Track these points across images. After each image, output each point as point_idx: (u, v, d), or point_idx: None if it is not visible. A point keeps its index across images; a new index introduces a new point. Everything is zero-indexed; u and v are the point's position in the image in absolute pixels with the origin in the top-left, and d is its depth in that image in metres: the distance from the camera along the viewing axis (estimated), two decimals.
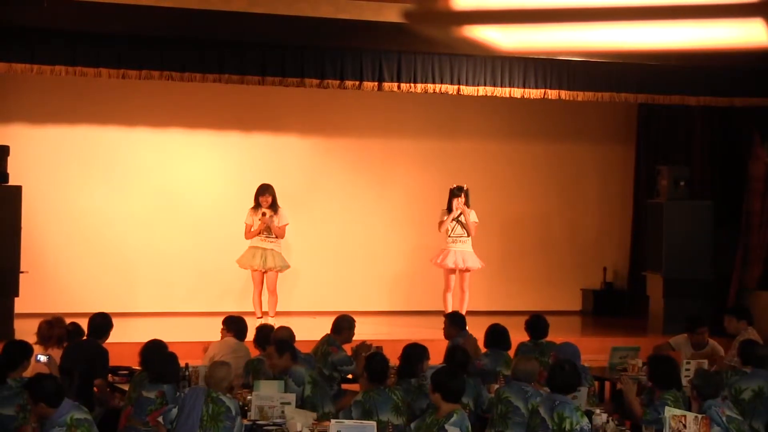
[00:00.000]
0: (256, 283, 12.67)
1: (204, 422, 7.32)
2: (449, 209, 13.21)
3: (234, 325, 9.72)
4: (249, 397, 8.15)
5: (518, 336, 10.37)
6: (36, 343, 9.16)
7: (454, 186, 13.25)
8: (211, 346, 9.61)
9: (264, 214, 12.57)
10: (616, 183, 15.94)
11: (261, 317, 12.53)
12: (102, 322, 9.25)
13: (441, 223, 13.25)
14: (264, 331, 9.68)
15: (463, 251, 13.24)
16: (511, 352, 9.77)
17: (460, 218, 13.19)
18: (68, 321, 9.40)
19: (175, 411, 7.49)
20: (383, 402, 7.73)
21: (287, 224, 12.75)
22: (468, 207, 13.19)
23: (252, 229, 12.65)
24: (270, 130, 14.77)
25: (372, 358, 8.12)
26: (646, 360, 8.86)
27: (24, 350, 7.97)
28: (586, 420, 7.38)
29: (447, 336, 10.23)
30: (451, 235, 13.23)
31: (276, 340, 8.93)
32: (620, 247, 15.83)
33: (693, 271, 13.75)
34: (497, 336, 9.63)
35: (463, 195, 13.19)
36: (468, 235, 13.23)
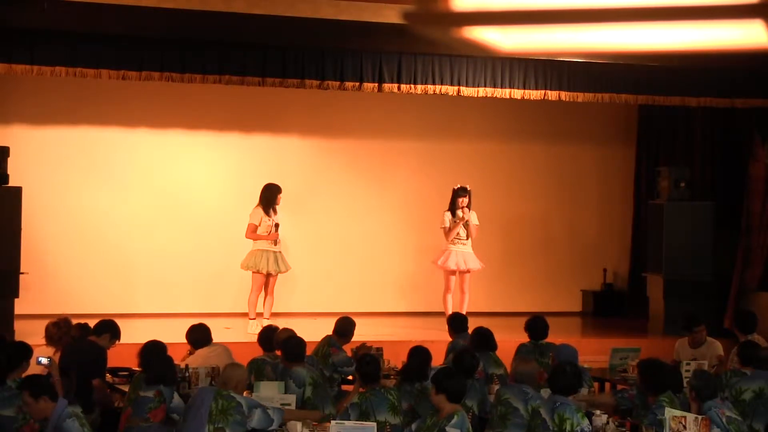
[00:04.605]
0: (258, 285, 12.60)
1: (212, 416, 7.36)
2: (452, 210, 13.18)
3: (192, 335, 9.62)
4: None
5: (518, 337, 10.37)
6: (45, 345, 9.20)
7: (458, 186, 13.22)
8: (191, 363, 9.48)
9: (277, 226, 12.52)
10: (616, 184, 15.94)
11: (254, 318, 12.51)
12: (103, 324, 9.26)
13: (449, 230, 13.17)
14: (269, 332, 9.66)
15: (465, 252, 13.22)
16: (507, 353, 9.79)
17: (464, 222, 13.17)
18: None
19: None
20: (379, 403, 7.73)
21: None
22: (470, 209, 13.17)
23: (258, 232, 12.55)
24: (270, 131, 14.77)
25: (362, 359, 8.12)
26: (636, 366, 8.87)
27: (23, 351, 7.97)
28: (586, 421, 7.39)
29: (451, 337, 10.26)
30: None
31: (285, 347, 8.92)
32: (620, 248, 15.83)
33: (693, 272, 13.76)
34: (483, 338, 9.62)
35: (467, 196, 13.17)
36: (468, 237, 13.22)
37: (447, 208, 13.23)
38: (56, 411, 6.80)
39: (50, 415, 6.82)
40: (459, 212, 13.14)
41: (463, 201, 13.13)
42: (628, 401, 8.43)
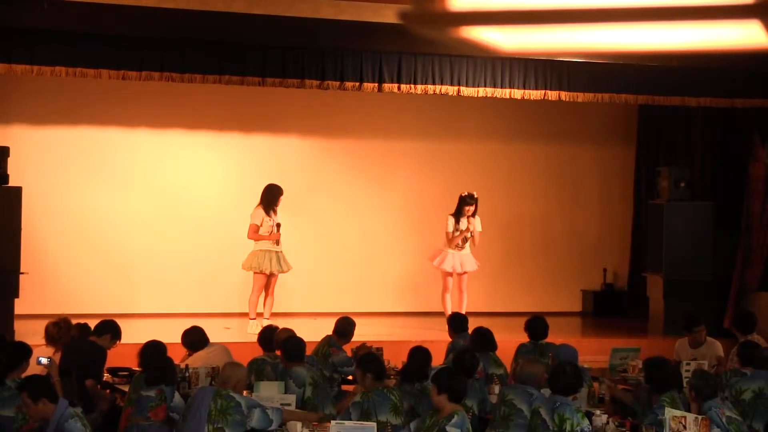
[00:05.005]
0: (259, 285, 12.57)
1: (212, 416, 7.38)
2: (457, 216, 13.12)
3: (188, 339, 9.61)
4: None
5: (518, 337, 10.38)
6: (45, 345, 9.19)
7: (466, 194, 13.16)
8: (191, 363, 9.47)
9: (279, 226, 12.50)
10: (616, 184, 15.94)
11: (255, 318, 12.50)
12: (104, 324, 9.28)
13: (451, 237, 13.16)
14: (269, 332, 9.67)
15: (461, 254, 13.22)
16: (507, 353, 9.79)
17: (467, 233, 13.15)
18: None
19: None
20: (382, 403, 7.72)
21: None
22: (475, 215, 13.14)
23: (260, 232, 12.53)
24: (270, 131, 14.77)
25: (364, 359, 8.11)
26: (643, 364, 8.89)
27: (23, 351, 7.96)
28: (586, 421, 7.38)
29: (451, 337, 10.26)
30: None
31: (285, 347, 8.94)
32: (620, 248, 15.83)
33: (693, 272, 13.76)
34: (483, 338, 9.63)
35: (473, 204, 13.13)
36: (465, 242, 13.20)
37: (452, 211, 13.19)
38: (57, 412, 6.80)
39: (51, 417, 6.81)
40: (464, 221, 13.08)
41: (469, 210, 13.10)
42: (639, 404, 8.42)
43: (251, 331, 12.18)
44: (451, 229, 13.14)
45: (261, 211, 12.55)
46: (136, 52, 11.82)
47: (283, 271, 12.62)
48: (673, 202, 13.91)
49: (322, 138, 14.92)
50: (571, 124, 15.64)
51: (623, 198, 15.89)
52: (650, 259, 14.27)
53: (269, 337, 9.51)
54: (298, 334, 9.22)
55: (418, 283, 14.66)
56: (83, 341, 9.17)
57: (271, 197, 12.61)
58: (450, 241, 13.15)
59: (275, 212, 12.59)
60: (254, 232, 12.55)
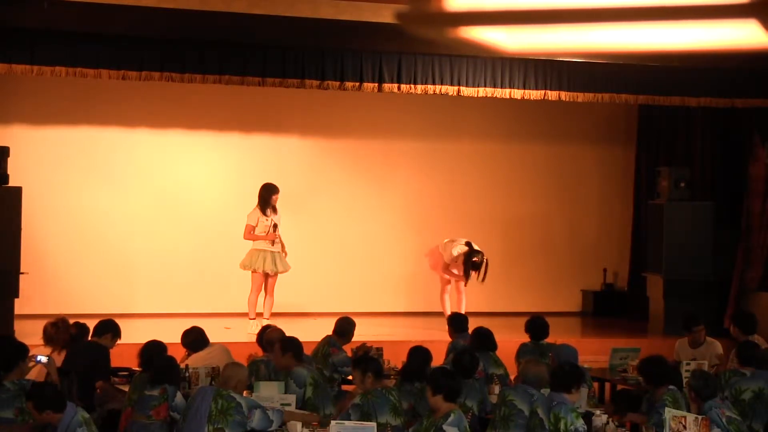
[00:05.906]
0: (257, 285, 12.59)
1: (212, 416, 7.39)
2: (465, 265, 13.11)
3: (187, 339, 9.59)
4: None
5: (518, 337, 10.38)
6: (43, 345, 9.18)
7: (476, 258, 13.13)
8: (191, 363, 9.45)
9: (275, 226, 12.48)
10: (616, 184, 15.94)
11: (254, 318, 12.50)
12: (103, 325, 9.28)
13: (445, 277, 13.22)
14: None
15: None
16: (507, 353, 9.79)
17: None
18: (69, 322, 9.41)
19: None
20: (381, 404, 7.71)
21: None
22: (483, 281, 13.16)
23: (256, 232, 12.52)
24: (270, 131, 14.77)
25: (365, 358, 8.09)
26: (638, 366, 8.89)
27: (20, 351, 7.87)
28: (581, 422, 7.37)
29: (451, 337, 10.27)
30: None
31: (280, 339, 8.95)
32: (620, 248, 15.82)
33: (693, 272, 13.77)
34: (483, 338, 9.64)
35: (483, 267, 13.11)
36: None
37: (461, 250, 13.17)
38: (65, 420, 6.72)
39: (58, 424, 6.77)
40: (471, 271, 13.09)
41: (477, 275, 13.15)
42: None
43: (251, 331, 12.17)
44: (449, 262, 13.15)
45: (257, 212, 12.56)
46: (136, 52, 11.82)
47: (279, 271, 12.60)
48: (673, 202, 13.91)
49: (322, 138, 14.92)
50: (571, 124, 15.64)
51: (623, 198, 15.88)
52: (650, 259, 14.27)
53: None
54: (297, 335, 9.21)
55: (418, 283, 14.65)
56: (85, 342, 9.17)
57: (266, 196, 12.61)
58: (447, 272, 13.20)
59: (274, 211, 12.58)
60: (249, 233, 12.56)
